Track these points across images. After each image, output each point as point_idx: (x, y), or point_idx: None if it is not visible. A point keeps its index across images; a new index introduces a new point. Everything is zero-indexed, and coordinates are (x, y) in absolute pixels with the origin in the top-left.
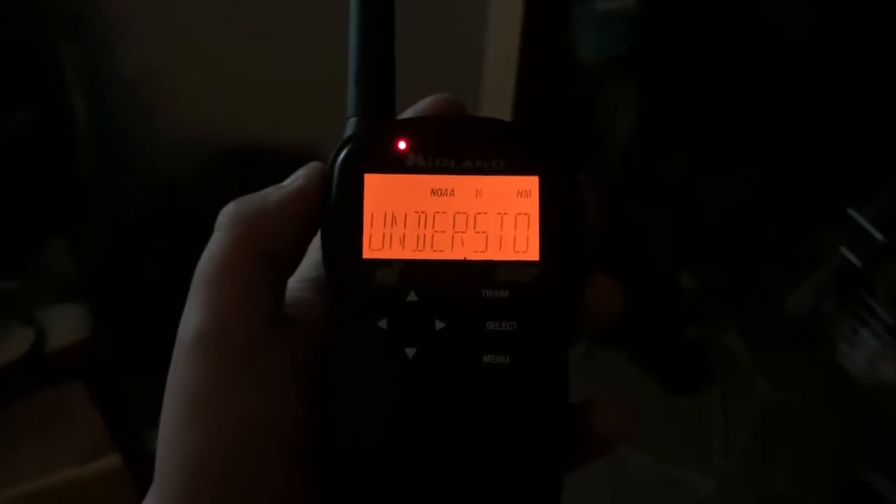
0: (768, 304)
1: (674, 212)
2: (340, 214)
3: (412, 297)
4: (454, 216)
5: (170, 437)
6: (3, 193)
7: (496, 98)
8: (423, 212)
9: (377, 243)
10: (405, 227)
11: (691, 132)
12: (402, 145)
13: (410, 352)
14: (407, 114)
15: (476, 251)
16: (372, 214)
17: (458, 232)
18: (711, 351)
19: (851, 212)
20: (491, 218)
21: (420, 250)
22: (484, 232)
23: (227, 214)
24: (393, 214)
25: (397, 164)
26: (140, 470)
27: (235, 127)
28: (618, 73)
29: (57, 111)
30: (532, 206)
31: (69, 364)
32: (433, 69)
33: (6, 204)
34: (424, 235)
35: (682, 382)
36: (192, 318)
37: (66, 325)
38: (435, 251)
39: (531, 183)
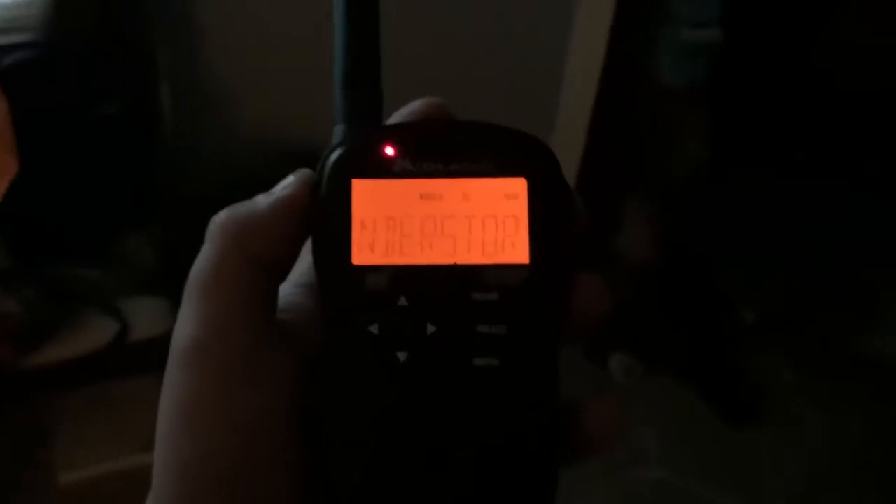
0: (827, 337)
1: (739, 240)
2: (330, 220)
3: (403, 301)
4: (443, 220)
5: (165, 445)
6: (90, 183)
7: (572, 112)
8: (411, 216)
9: (367, 249)
10: (394, 232)
11: (761, 161)
12: (389, 150)
13: (402, 356)
14: (393, 119)
15: (465, 255)
16: (361, 220)
17: (447, 236)
18: (768, 381)
19: None
20: (479, 221)
21: (410, 255)
22: (473, 235)
23: (217, 223)
24: (382, 219)
25: (385, 169)
26: None
27: (312, 124)
28: (695, 98)
29: (145, 106)
30: (520, 208)
31: (150, 356)
32: (514, 83)
33: (92, 193)
34: (413, 240)
35: (737, 411)
36: (184, 327)
37: (148, 317)
38: (424, 256)
39: (519, 185)
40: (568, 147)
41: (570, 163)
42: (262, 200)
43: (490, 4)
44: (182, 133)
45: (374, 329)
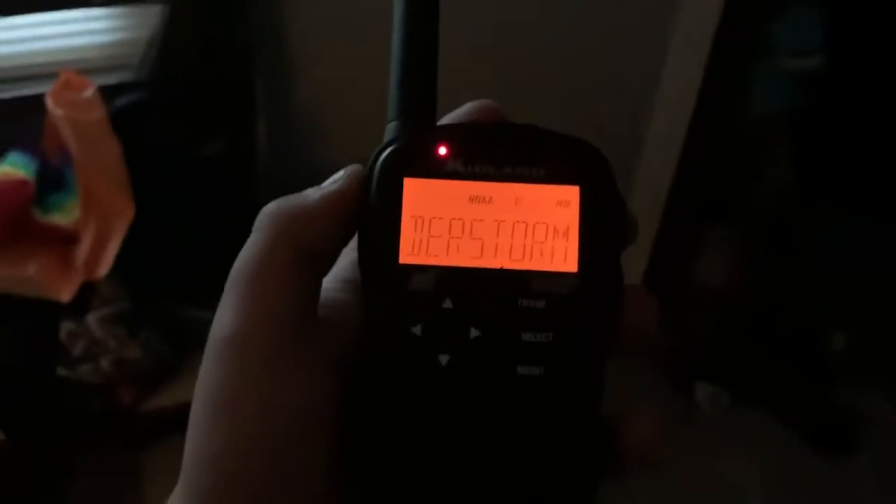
0: None
1: (829, 270)
2: (378, 217)
3: (447, 303)
4: (492, 224)
5: (199, 436)
6: (198, 222)
7: (663, 137)
8: (461, 218)
9: (414, 248)
10: (443, 232)
11: (854, 192)
12: (442, 150)
13: (444, 359)
14: (447, 119)
15: (513, 260)
16: (410, 219)
17: (495, 240)
18: (859, 413)
19: None
20: (530, 227)
21: (457, 257)
22: (522, 241)
23: (267, 214)
24: (431, 220)
25: (437, 170)
26: None
27: None
28: (790, 126)
29: (243, 141)
30: (572, 216)
31: None
32: (606, 105)
33: (200, 232)
34: (462, 242)
35: (827, 443)
36: (226, 317)
37: None
38: (472, 258)
39: (571, 193)
40: (656, 171)
41: (657, 188)
42: (312, 193)
43: (588, 25)
44: (277, 170)
45: (416, 330)
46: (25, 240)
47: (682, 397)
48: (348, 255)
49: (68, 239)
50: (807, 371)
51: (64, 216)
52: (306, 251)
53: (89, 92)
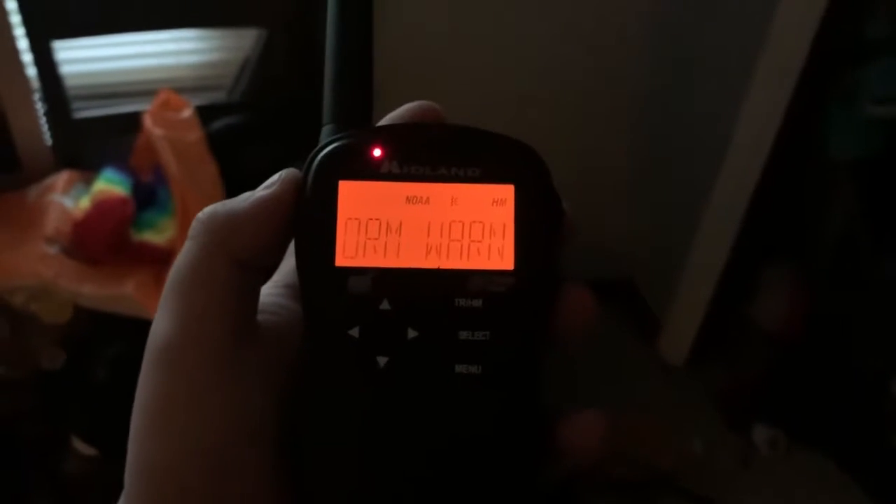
0: None
1: (889, 314)
2: (314, 221)
3: (385, 305)
4: (428, 224)
5: (138, 446)
6: None
7: (738, 175)
8: (397, 219)
9: (350, 251)
10: (379, 234)
11: None
12: (377, 152)
13: (382, 360)
14: (384, 121)
15: (450, 260)
16: (346, 221)
17: (432, 240)
18: None
19: None
20: (466, 226)
21: (394, 258)
22: (458, 240)
23: (199, 221)
24: (367, 222)
25: (372, 172)
26: None
27: None
28: (863, 173)
29: None
30: (507, 215)
31: None
32: (676, 145)
33: None
34: (398, 243)
35: (885, 489)
36: (161, 326)
37: None
38: (409, 259)
39: (507, 192)
40: (727, 208)
41: (726, 225)
42: (245, 199)
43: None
44: None
45: (354, 332)
46: (122, 258)
47: (739, 439)
48: (289, 259)
49: (162, 258)
50: (866, 416)
51: (157, 235)
52: (238, 258)
53: (187, 112)
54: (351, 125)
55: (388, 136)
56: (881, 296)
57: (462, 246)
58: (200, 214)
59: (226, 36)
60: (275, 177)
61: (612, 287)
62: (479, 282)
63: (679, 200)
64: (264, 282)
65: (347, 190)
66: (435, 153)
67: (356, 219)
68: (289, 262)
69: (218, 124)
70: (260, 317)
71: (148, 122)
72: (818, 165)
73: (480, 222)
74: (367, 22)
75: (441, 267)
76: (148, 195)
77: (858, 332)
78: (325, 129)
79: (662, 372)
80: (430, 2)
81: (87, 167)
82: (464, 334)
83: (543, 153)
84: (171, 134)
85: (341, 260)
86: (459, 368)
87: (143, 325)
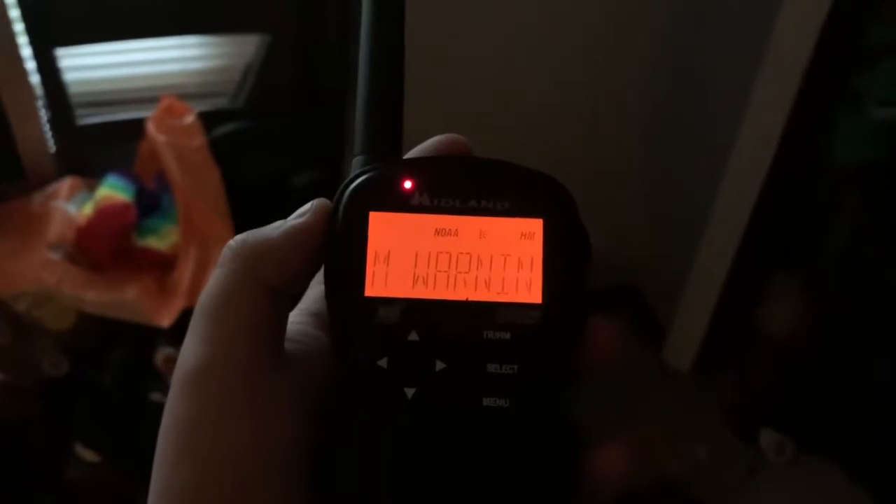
0: None
1: None
2: (344, 251)
3: (413, 336)
4: (457, 256)
5: (164, 471)
6: None
7: (742, 180)
8: (426, 251)
9: (380, 281)
10: (408, 266)
11: None
12: (407, 184)
13: (410, 392)
14: (413, 153)
15: (478, 292)
16: (375, 252)
17: (460, 272)
18: None
19: None
20: (494, 259)
21: (422, 290)
22: (487, 273)
23: (231, 248)
24: (396, 253)
25: (402, 203)
26: None
27: None
28: (870, 177)
29: (334, 172)
30: (536, 248)
31: None
32: (680, 152)
33: None
34: (427, 275)
35: (893, 495)
36: (191, 351)
37: None
38: (437, 291)
39: (535, 225)
40: (732, 214)
41: (732, 231)
42: (277, 227)
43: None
44: None
45: (382, 363)
46: (125, 264)
47: (745, 445)
48: (315, 288)
49: (165, 264)
50: (875, 423)
51: (160, 241)
52: (269, 285)
53: (190, 118)
54: (381, 157)
55: (418, 168)
56: (889, 302)
57: (491, 278)
58: (231, 242)
59: (229, 42)
60: (306, 206)
61: (617, 294)
62: (508, 315)
63: (683, 207)
64: (291, 309)
65: (378, 221)
66: (464, 186)
67: (386, 250)
68: (314, 291)
69: (221, 130)
70: (286, 344)
71: (151, 128)
72: (825, 170)
73: (509, 255)
74: (398, 55)
75: (469, 299)
76: (151, 201)
77: (867, 338)
78: (356, 161)
79: (669, 379)
80: (440, 24)
81: (91, 174)
82: (492, 367)
83: (550, 162)
84: (174, 140)
85: (370, 290)
86: (487, 401)
87: (146, 331)
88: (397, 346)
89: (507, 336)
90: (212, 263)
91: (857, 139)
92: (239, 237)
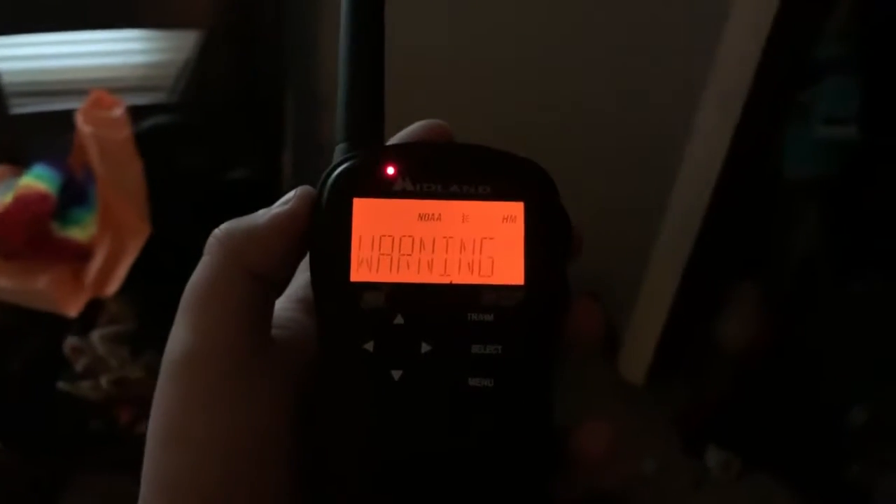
0: None
1: (853, 338)
2: (329, 237)
3: (399, 319)
4: (441, 240)
5: (155, 457)
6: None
7: (690, 195)
8: (410, 236)
9: (365, 266)
10: (392, 250)
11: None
12: (390, 170)
13: (396, 374)
14: (395, 139)
15: (462, 275)
16: (360, 238)
17: (444, 256)
18: (874, 491)
19: None
20: (477, 242)
21: (407, 274)
22: (470, 256)
23: (216, 236)
24: (381, 238)
25: (385, 189)
26: None
27: None
28: (819, 194)
29: (269, 169)
30: (517, 231)
31: None
32: (634, 156)
33: None
34: (411, 259)
35: None
36: (178, 339)
37: None
38: (422, 275)
39: (516, 209)
40: (681, 227)
41: (682, 243)
42: (261, 215)
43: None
44: None
45: (369, 346)
46: (42, 253)
47: (692, 460)
48: (301, 275)
49: (83, 254)
50: (824, 443)
51: (81, 231)
52: (255, 272)
53: (118, 111)
54: (363, 144)
55: (400, 154)
56: (843, 321)
57: (474, 261)
58: (217, 231)
59: (168, 37)
60: (290, 194)
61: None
62: (491, 296)
63: (637, 216)
64: (278, 296)
65: (361, 207)
66: (446, 171)
67: (370, 235)
68: (300, 277)
69: (147, 123)
70: (273, 331)
71: (79, 119)
72: (778, 185)
73: (491, 238)
74: (378, 42)
75: (453, 282)
76: (79, 193)
77: (821, 357)
78: (339, 148)
79: (621, 390)
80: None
81: (26, 163)
82: (476, 348)
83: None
84: (100, 132)
85: (356, 275)
86: (473, 382)
87: (57, 320)
88: (383, 329)
89: (491, 317)
90: (125, 255)
91: (805, 155)
92: (224, 225)
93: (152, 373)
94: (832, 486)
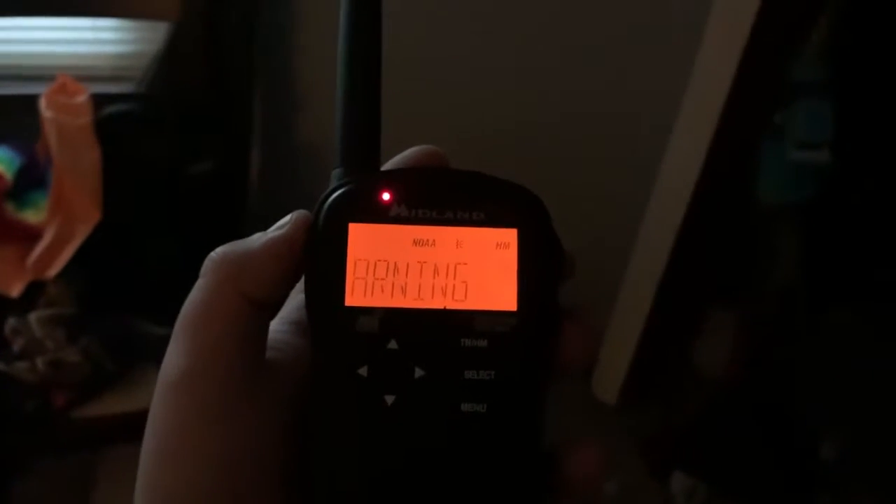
0: None
1: (827, 368)
2: (324, 262)
3: (392, 345)
4: (435, 266)
5: (146, 479)
6: (172, 239)
7: (661, 219)
8: (404, 261)
9: (359, 291)
10: (387, 275)
11: (863, 290)
12: (385, 196)
13: (390, 399)
14: (390, 165)
15: (456, 301)
16: (355, 262)
17: (438, 281)
18: None
19: None
20: (471, 268)
21: (401, 299)
22: (464, 282)
23: (212, 259)
24: (375, 263)
25: (381, 214)
26: None
27: None
28: (794, 220)
29: (234, 165)
30: (511, 257)
31: None
32: (603, 182)
33: (173, 249)
34: (405, 284)
35: None
36: (173, 360)
37: None
38: (416, 300)
39: (510, 235)
40: (652, 253)
41: (652, 268)
42: (257, 238)
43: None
44: (268, 198)
45: (363, 371)
46: None
47: (658, 483)
48: (295, 297)
49: (33, 236)
50: (792, 475)
51: (35, 214)
52: (250, 296)
53: (82, 98)
54: (359, 169)
55: (395, 180)
56: (818, 351)
57: (467, 287)
58: (213, 254)
59: (139, 28)
60: (286, 218)
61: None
62: (484, 322)
63: (611, 235)
64: (272, 318)
65: (357, 232)
66: (441, 197)
67: (365, 260)
68: (294, 300)
69: (109, 111)
70: (267, 353)
71: (42, 104)
72: (753, 209)
73: (485, 264)
74: (375, 68)
75: (447, 307)
76: (39, 176)
77: (794, 386)
78: (335, 173)
79: (593, 410)
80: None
81: None
82: (469, 374)
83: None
84: (60, 117)
85: (350, 300)
86: (465, 407)
87: (2, 301)
88: (377, 354)
89: (484, 343)
90: (71, 240)
91: (780, 179)
92: (220, 249)
93: (88, 358)
94: None
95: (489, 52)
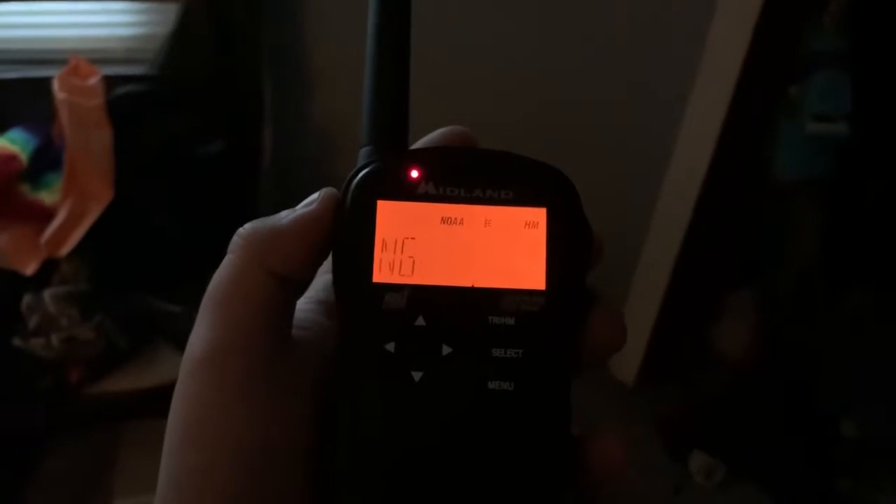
0: None
1: (848, 348)
2: (352, 239)
3: (420, 321)
4: (463, 244)
5: (172, 455)
6: (185, 218)
7: (676, 199)
8: (432, 239)
9: (387, 268)
10: (415, 253)
11: (882, 269)
12: (414, 174)
13: (417, 375)
14: (418, 144)
15: (484, 279)
16: (383, 240)
17: (466, 260)
18: (862, 501)
19: None
20: (499, 247)
21: (429, 276)
22: (492, 261)
23: (241, 236)
24: (403, 240)
25: (409, 192)
26: None
27: None
28: (813, 195)
29: (247, 147)
30: (539, 236)
31: None
32: (617, 161)
33: (186, 228)
34: (433, 262)
35: None
36: (199, 337)
37: None
38: (443, 278)
39: (539, 214)
40: (667, 232)
41: (669, 247)
42: (285, 216)
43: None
44: (280, 177)
45: (390, 347)
46: (6, 213)
47: (675, 465)
48: (322, 277)
49: (47, 216)
50: (811, 454)
51: (50, 195)
52: (277, 273)
53: (94, 79)
54: (387, 147)
55: (424, 158)
56: (838, 331)
57: (495, 266)
58: (241, 230)
59: (150, 10)
60: (315, 195)
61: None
62: (512, 301)
63: (626, 215)
64: (299, 296)
65: (385, 209)
66: (470, 176)
67: (393, 237)
68: (321, 279)
69: (121, 91)
70: (294, 331)
71: (55, 86)
72: (770, 185)
73: (513, 243)
74: (403, 48)
75: (475, 285)
76: (55, 157)
77: (815, 367)
78: (363, 151)
79: (612, 390)
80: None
81: (5, 128)
82: (497, 351)
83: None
84: (73, 98)
85: (378, 277)
86: (492, 385)
87: (18, 279)
88: (405, 331)
89: (512, 321)
90: (83, 219)
91: (798, 155)
92: (248, 225)
93: (102, 335)
94: (819, 501)
95: (512, 36)
